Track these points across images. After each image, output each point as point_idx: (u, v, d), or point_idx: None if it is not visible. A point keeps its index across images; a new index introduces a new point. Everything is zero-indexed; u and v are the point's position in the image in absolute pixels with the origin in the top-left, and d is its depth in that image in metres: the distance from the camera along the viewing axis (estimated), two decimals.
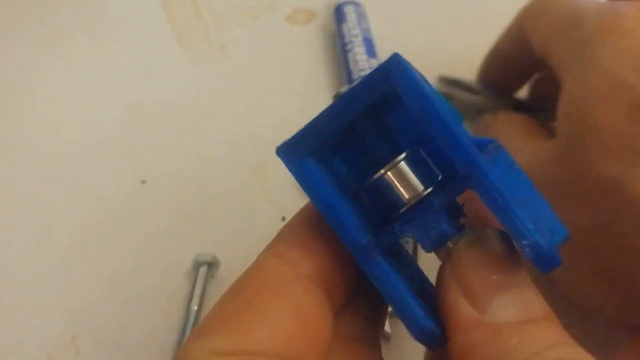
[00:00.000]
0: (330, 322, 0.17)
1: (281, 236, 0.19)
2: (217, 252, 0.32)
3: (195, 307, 0.31)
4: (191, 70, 0.43)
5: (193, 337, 0.16)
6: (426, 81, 0.18)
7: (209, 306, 0.31)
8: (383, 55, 0.42)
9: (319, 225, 0.18)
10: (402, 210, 0.17)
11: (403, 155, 0.17)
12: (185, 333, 0.30)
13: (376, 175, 0.17)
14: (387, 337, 0.30)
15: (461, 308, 0.16)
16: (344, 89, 0.19)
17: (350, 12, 0.44)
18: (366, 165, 0.18)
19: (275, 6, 0.48)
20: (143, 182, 0.37)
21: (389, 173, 0.17)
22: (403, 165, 0.17)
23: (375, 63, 0.41)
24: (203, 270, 0.32)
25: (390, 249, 0.17)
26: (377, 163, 0.18)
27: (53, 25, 0.46)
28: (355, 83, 0.17)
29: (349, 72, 0.41)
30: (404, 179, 0.17)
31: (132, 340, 0.30)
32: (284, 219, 0.35)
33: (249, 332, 0.16)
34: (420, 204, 0.17)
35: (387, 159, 0.17)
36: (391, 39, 0.44)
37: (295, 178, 0.17)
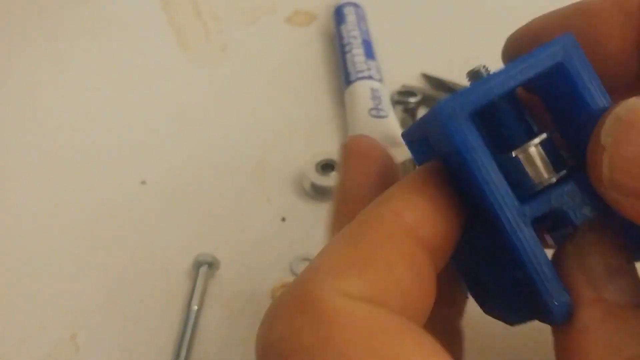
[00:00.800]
0: (435, 287, 0.17)
1: (398, 194, 0.18)
2: (217, 252, 0.33)
3: (196, 307, 0.31)
4: (191, 71, 0.44)
5: (320, 274, 0.16)
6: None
7: (209, 306, 0.31)
8: (381, 56, 0.42)
9: (436, 190, 0.18)
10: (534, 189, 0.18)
11: (540, 137, 0.18)
12: (186, 333, 0.30)
13: (514, 153, 0.18)
14: None
15: (581, 287, 0.16)
16: (480, 67, 0.19)
17: (350, 13, 0.44)
18: (499, 141, 0.19)
19: (275, 8, 0.48)
20: (143, 182, 0.37)
21: (522, 155, 0.18)
22: (538, 148, 0.18)
23: (373, 64, 0.41)
24: (203, 270, 0.32)
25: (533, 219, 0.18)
26: (511, 140, 0.18)
27: (54, 27, 0.46)
28: (524, 55, 0.18)
29: (347, 73, 0.41)
30: (537, 162, 0.18)
31: (132, 340, 0.30)
32: (283, 219, 0.35)
33: (377, 281, 0.15)
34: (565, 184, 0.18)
35: (522, 139, 0.18)
36: (390, 41, 0.44)
37: (452, 135, 0.17)
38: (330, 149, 0.38)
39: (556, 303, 0.17)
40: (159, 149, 0.39)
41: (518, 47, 0.22)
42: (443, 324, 0.21)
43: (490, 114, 0.19)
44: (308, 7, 0.48)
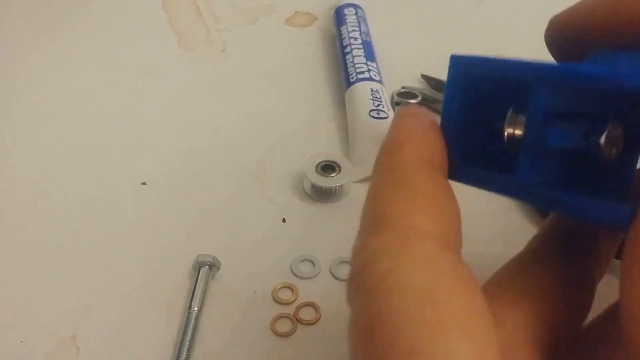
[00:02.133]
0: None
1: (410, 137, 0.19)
2: (218, 253, 0.33)
3: (196, 308, 0.31)
4: (192, 72, 0.44)
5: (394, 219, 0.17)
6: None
7: (210, 307, 0.31)
8: (381, 58, 0.42)
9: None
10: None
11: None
12: (186, 334, 0.30)
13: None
14: None
15: None
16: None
17: (350, 14, 0.45)
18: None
19: (275, 9, 0.48)
20: (144, 183, 0.37)
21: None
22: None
23: (373, 65, 0.41)
24: (204, 270, 0.32)
25: None
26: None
27: (54, 28, 0.46)
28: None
29: (347, 74, 0.41)
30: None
31: (133, 340, 0.30)
32: (284, 220, 0.35)
33: (438, 217, 0.17)
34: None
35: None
36: (390, 42, 0.44)
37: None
38: (331, 150, 0.38)
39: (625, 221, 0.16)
40: (159, 150, 0.39)
41: (566, 30, 0.21)
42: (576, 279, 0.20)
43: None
44: (308, 8, 0.48)
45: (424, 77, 0.43)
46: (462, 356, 0.14)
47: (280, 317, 0.31)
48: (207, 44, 0.46)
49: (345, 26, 0.44)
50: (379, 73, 0.41)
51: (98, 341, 0.30)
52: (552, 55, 0.23)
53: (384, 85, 0.40)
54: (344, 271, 0.33)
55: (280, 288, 0.32)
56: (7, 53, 0.44)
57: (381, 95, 0.39)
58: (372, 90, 0.39)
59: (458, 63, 0.19)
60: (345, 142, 0.39)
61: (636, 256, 0.15)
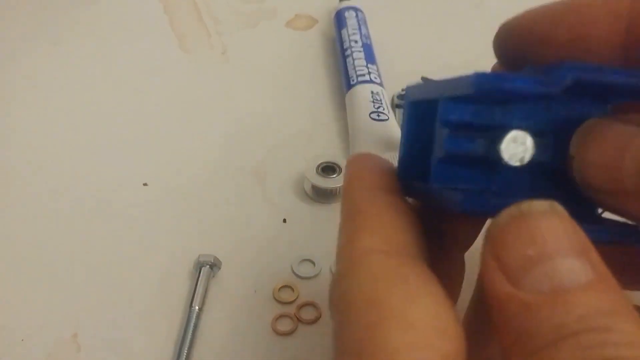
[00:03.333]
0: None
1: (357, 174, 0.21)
2: (219, 253, 0.33)
3: (197, 308, 0.31)
4: (192, 74, 0.44)
5: (349, 239, 0.19)
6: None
7: (210, 306, 0.31)
8: (382, 60, 0.43)
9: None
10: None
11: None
12: (187, 333, 0.30)
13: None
14: None
15: (497, 283, 0.16)
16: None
17: (350, 17, 0.45)
18: None
19: (276, 12, 0.48)
20: (145, 184, 0.37)
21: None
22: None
23: (373, 68, 0.41)
24: (205, 270, 0.32)
25: None
26: None
27: (56, 30, 0.46)
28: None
29: (347, 77, 0.41)
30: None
31: (134, 339, 0.30)
32: (284, 220, 0.35)
33: (381, 233, 0.19)
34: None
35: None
36: (390, 45, 0.45)
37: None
38: (331, 152, 0.39)
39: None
40: (160, 151, 0.39)
41: (510, 38, 0.23)
42: (448, 254, 0.23)
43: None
44: (309, 11, 0.48)
45: (424, 79, 0.43)
46: (397, 345, 0.16)
47: (281, 316, 0.31)
48: (208, 47, 0.46)
49: (345, 29, 0.44)
50: (379, 75, 0.41)
51: (99, 340, 0.30)
52: (501, 63, 0.24)
53: (384, 88, 0.40)
54: None
55: (280, 288, 0.32)
56: (9, 54, 0.44)
57: (381, 97, 0.39)
58: (372, 92, 0.39)
59: (408, 89, 0.22)
60: (346, 143, 0.39)
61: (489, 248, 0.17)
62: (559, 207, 0.17)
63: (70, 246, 0.34)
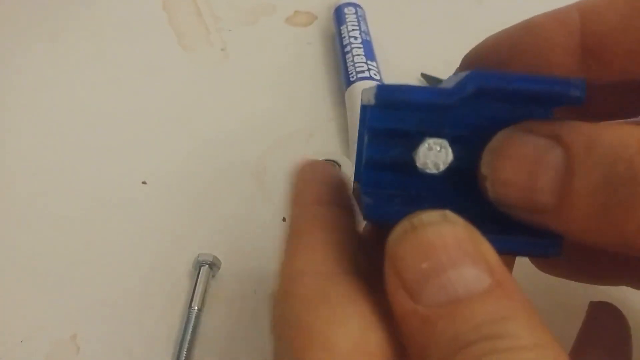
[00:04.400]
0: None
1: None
2: (218, 252, 0.33)
3: (196, 307, 0.31)
4: (192, 72, 0.44)
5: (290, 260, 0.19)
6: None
7: (210, 306, 0.31)
8: (381, 57, 0.42)
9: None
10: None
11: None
12: (186, 333, 0.30)
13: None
14: None
15: (399, 299, 0.16)
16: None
17: (350, 13, 0.44)
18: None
19: (275, 8, 0.48)
20: (144, 182, 0.37)
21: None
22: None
23: (373, 65, 0.41)
24: (204, 270, 0.32)
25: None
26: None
27: (54, 28, 0.46)
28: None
29: (347, 74, 0.41)
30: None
31: (133, 340, 0.30)
32: (284, 219, 0.35)
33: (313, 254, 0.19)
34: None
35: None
36: (390, 41, 0.44)
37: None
38: (331, 149, 0.38)
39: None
40: (159, 149, 0.39)
41: (471, 66, 0.23)
42: None
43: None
44: (308, 7, 0.48)
45: (424, 75, 0.42)
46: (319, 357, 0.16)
47: None
48: (207, 43, 0.45)
49: (345, 25, 0.44)
50: (379, 72, 0.41)
51: (98, 341, 0.30)
52: None
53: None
54: None
55: None
56: (7, 52, 0.44)
57: None
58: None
59: (363, 92, 0.21)
60: (346, 141, 0.39)
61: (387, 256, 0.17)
62: (452, 216, 0.17)
63: (68, 246, 0.34)
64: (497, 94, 0.18)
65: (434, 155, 0.19)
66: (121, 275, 0.33)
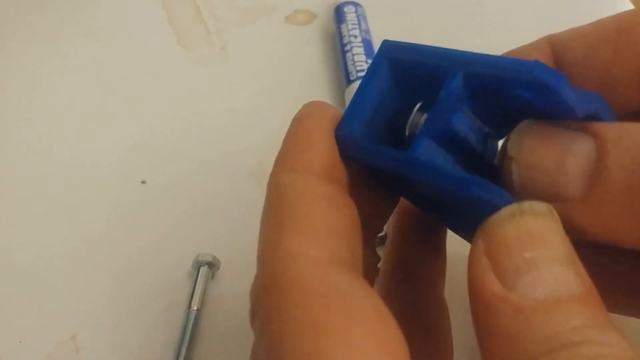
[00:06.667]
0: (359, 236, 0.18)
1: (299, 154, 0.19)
2: (218, 252, 0.33)
3: (196, 307, 0.31)
4: (191, 71, 0.44)
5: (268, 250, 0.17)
6: None
7: (209, 306, 0.31)
8: None
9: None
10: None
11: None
12: (186, 333, 0.30)
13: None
14: None
15: (489, 283, 0.15)
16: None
17: (350, 12, 0.44)
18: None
19: (275, 7, 0.48)
20: (143, 182, 0.37)
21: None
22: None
23: None
24: (204, 270, 0.32)
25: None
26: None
27: (53, 27, 0.46)
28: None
29: (347, 73, 0.41)
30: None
31: (133, 340, 0.30)
32: None
33: (313, 240, 0.17)
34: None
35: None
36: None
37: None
38: None
39: (502, 204, 0.16)
40: (158, 149, 0.39)
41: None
42: (426, 295, 0.22)
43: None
44: (308, 6, 0.48)
45: None
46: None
47: None
48: (207, 43, 0.45)
49: (345, 24, 0.44)
50: None
51: (98, 341, 0.30)
52: None
53: None
54: None
55: None
56: (6, 52, 0.44)
57: None
58: None
59: (388, 46, 0.20)
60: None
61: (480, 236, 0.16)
62: (555, 212, 0.16)
63: (68, 246, 0.34)
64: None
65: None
66: (121, 275, 0.33)
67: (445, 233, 0.24)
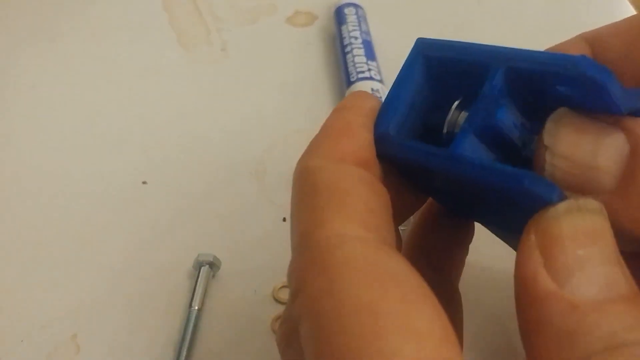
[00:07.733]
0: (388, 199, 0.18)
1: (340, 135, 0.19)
2: (218, 252, 0.33)
3: (197, 307, 0.31)
4: (192, 71, 0.44)
5: (314, 225, 0.17)
6: None
7: (210, 306, 0.31)
8: (382, 57, 0.42)
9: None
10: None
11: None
12: (187, 333, 0.30)
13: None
14: None
15: (540, 279, 0.15)
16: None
17: (350, 14, 0.44)
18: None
19: (276, 8, 0.48)
20: (144, 182, 0.37)
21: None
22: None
23: (374, 65, 0.41)
24: (204, 270, 0.32)
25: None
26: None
27: (54, 26, 0.46)
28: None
29: (348, 74, 0.41)
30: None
31: (133, 340, 0.30)
32: (284, 219, 0.35)
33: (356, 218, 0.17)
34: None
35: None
36: (391, 42, 0.44)
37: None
38: None
39: (555, 198, 0.16)
40: (159, 149, 0.39)
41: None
42: (442, 284, 0.22)
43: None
44: (309, 7, 0.48)
45: None
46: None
47: (281, 316, 0.31)
48: (207, 43, 0.45)
49: (345, 25, 0.44)
50: (379, 72, 0.41)
51: (98, 340, 0.30)
52: None
53: (384, 85, 0.40)
54: None
55: (280, 287, 0.32)
56: (7, 52, 0.44)
57: (382, 94, 0.39)
58: (372, 89, 0.39)
59: (422, 44, 0.21)
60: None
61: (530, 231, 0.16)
62: (605, 211, 0.16)
63: (69, 246, 0.34)
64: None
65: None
66: (121, 275, 0.33)
67: (471, 226, 0.24)
